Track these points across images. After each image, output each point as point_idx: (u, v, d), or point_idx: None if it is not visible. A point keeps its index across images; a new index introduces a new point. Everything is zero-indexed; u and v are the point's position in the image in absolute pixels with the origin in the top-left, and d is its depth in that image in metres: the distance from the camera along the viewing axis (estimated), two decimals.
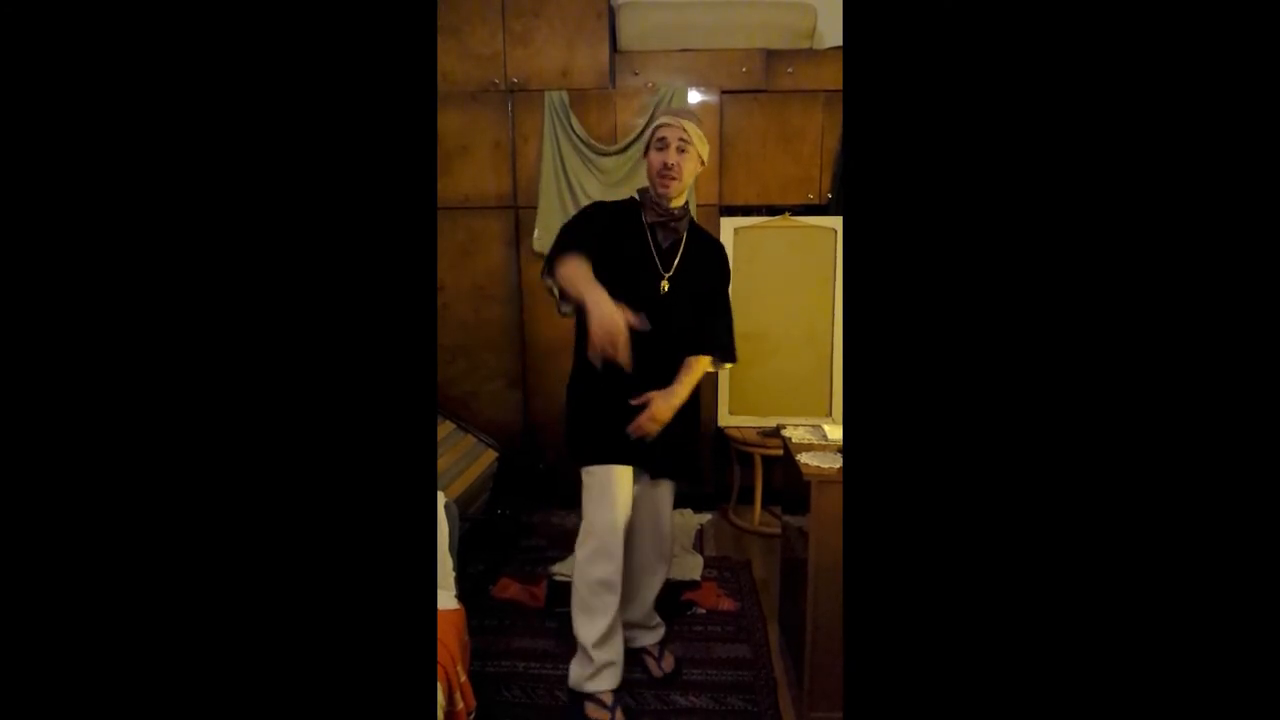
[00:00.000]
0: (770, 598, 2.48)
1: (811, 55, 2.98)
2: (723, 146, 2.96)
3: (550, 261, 1.76)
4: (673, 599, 2.40)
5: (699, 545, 2.89)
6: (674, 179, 1.74)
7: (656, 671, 2.05)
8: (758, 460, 2.99)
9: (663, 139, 1.74)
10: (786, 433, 2.09)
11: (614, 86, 2.98)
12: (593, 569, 1.82)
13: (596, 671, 1.86)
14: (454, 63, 2.95)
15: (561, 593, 2.42)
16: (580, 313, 1.73)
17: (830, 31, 3.12)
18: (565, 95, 2.92)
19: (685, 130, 1.72)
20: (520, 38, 2.93)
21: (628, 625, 2.01)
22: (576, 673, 1.89)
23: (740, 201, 3.04)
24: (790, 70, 2.95)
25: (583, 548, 1.85)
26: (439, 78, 2.93)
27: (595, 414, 1.84)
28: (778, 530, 2.76)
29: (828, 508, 1.75)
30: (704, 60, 2.97)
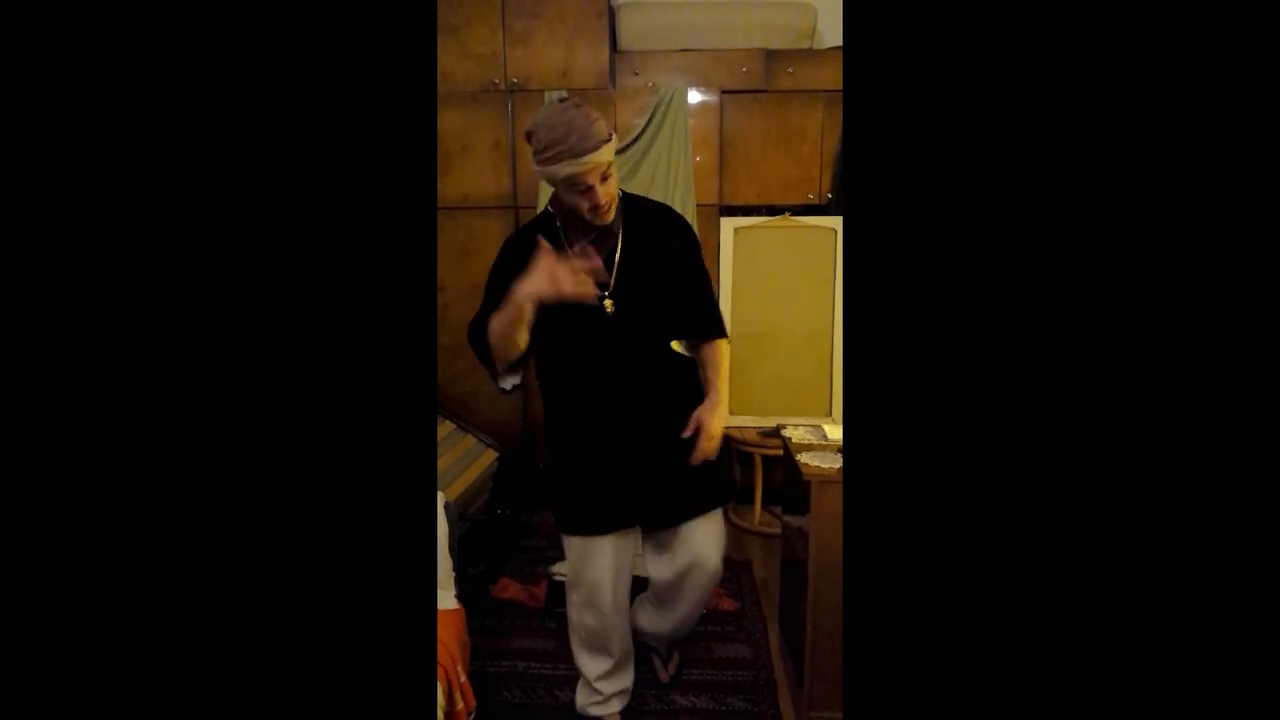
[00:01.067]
0: (770, 598, 2.48)
1: (811, 55, 2.98)
2: (723, 146, 2.97)
3: (473, 336, 1.56)
4: None
5: None
6: (609, 206, 1.49)
7: (663, 676, 2.02)
8: (758, 460, 2.99)
9: (580, 184, 1.43)
10: (786, 433, 2.09)
11: (614, 87, 2.98)
12: (584, 618, 1.73)
13: (604, 700, 1.82)
14: (454, 63, 2.95)
15: (561, 593, 2.42)
16: (544, 379, 1.60)
17: (830, 31, 3.12)
18: (565, 95, 2.92)
19: (603, 160, 1.42)
20: (520, 38, 2.93)
21: (657, 636, 1.94)
22: (582, 699, 1.85)
23: (740, 201, 3.04)
24: (790, 70, 2.96)
25: (574, 592, 1.74)
26: (439, 77, 2.93)
27: (576, 481, 1.65)
28: (778, 530, 2.77)
29: (828, 508, 1.75)
30: (704, 60, 2.97)
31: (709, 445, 1.57)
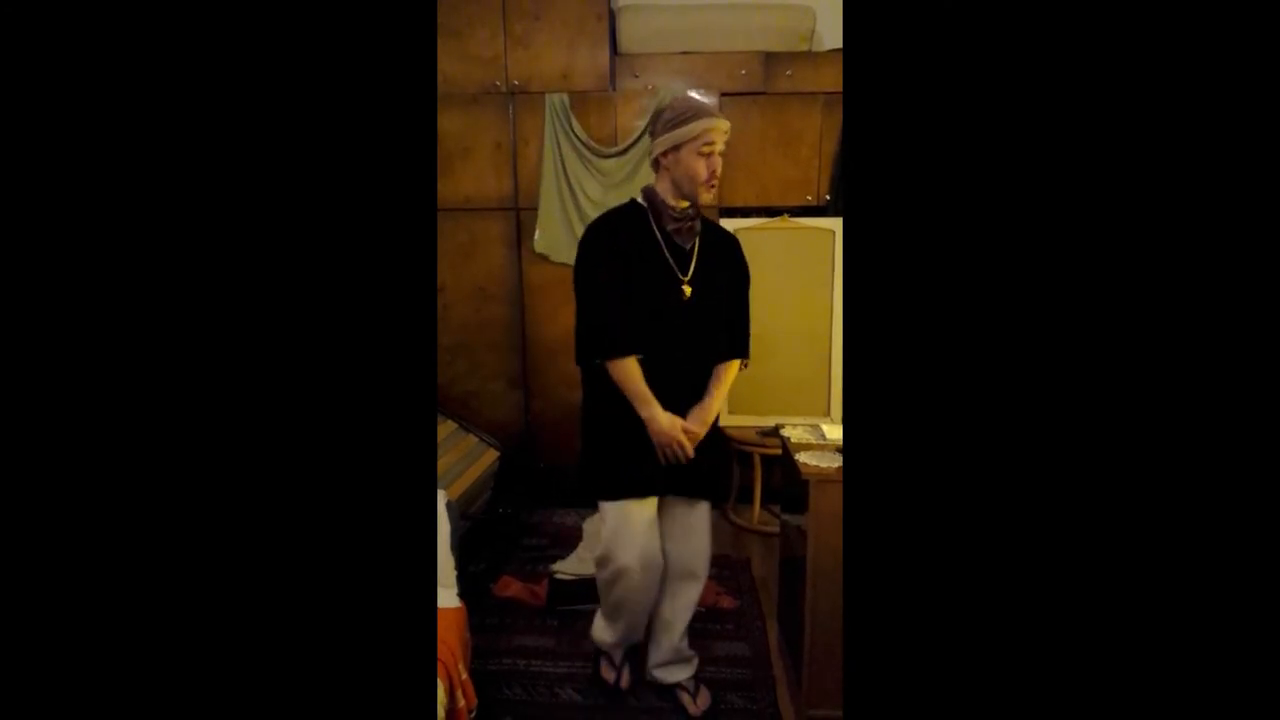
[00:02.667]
0: (769, 596, 2.49)
1: (810, 58, 2.99)
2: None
3: (589, 346, 1.68)
4: None
5: None
6: (716, 184, 1.65)
7: (693, 709, 1.90)
8: (757, 459, 3.00)
9: (711, 142, 1.59)
10: (785, 432, 2.10)
11: (614, 89, 2.99)
12: (613, 593, 1.84)
13: (615, 642, 1.95)
14: (455, 65, 2.96)
15: (563, 591, 2.43)
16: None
17: (829, 34, 3.13)
18: (566, 97, 2.93)
19: (725, 127, 1.61)
20: (521, 40, 2.94)
21: (660, 663, 1.94)
22: (598, 632, 1.98)
23: (739, 203, 3.05)
24: (789, 73, 2.96)
25: (602, 570, 1.82)
26: (440, 80, 2.94)
27: (613, 449, 1.76)
28: (776, 529, 2.77)
29: (826, 507, 1.76)
30: (703, 63, 2.98)
31: (687, 442, 1.71)
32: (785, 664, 2.13)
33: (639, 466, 1.73)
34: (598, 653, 2.05)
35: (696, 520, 1.85)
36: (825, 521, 1.77)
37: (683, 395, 1.73)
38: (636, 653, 2.10)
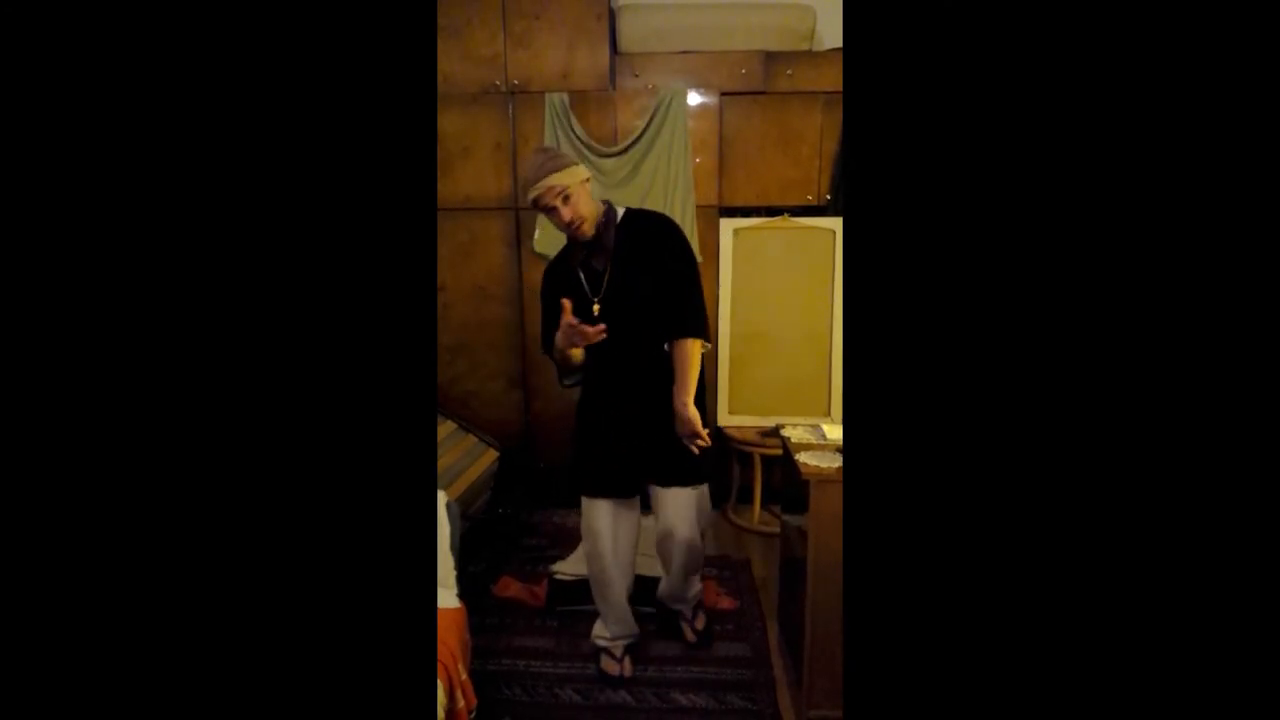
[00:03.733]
0: (769, 596, 2.49)
1: (810, 57, 2.99)
2: (722, 148, 2.97)
3: (545, 349, 1.97)
4: None
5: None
6: (581, 223, 1.81)
7: (689, 635, 2.22)
8: (757, 460, 2.99)
9: (547, 206, 1.79)
10: (785, 432, 2.10)
11: (614, 88, 2.99)
12: (590, 566, 2.09)
13: (612, 637, 2.10)
14: (455, 64, 2.96)
15: (562, 591, 2.43)
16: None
17: (829, 33, 3.13)
18: (566, 97, 2.93)
19: (554, 183, 1.76)
20: (521, 39, 2.94)
21: (664, 595, 2.24)
22: (597, 629, 2.14)
23: (740, 203, 3.05)
24: (789, 72, 2.96)
25: (584, 544, 2.10)
26: (440, 79, 2.94)
27: (580, 449, 2.04)
28: (777, 529, 2.77)
29: (826, 507, 1.76)
30: (703, 62, 2.98)
31: (684, 424, 1.85)
32: (786, 664, 2.13)
33: (598, 467, 1.99)
34: (598, 651, 2.13)
35: (671, 499, 2.02)
36: (825, 522, 1.77)
37: (624, 408, 1.93)
38: (638, 649, 2.14)
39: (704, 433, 1.85)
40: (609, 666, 2.09)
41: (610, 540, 2.02)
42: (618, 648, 2.11)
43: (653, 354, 1.90)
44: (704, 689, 2.02)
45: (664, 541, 2.07)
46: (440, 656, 1.55)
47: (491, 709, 1.91)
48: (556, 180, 1.76)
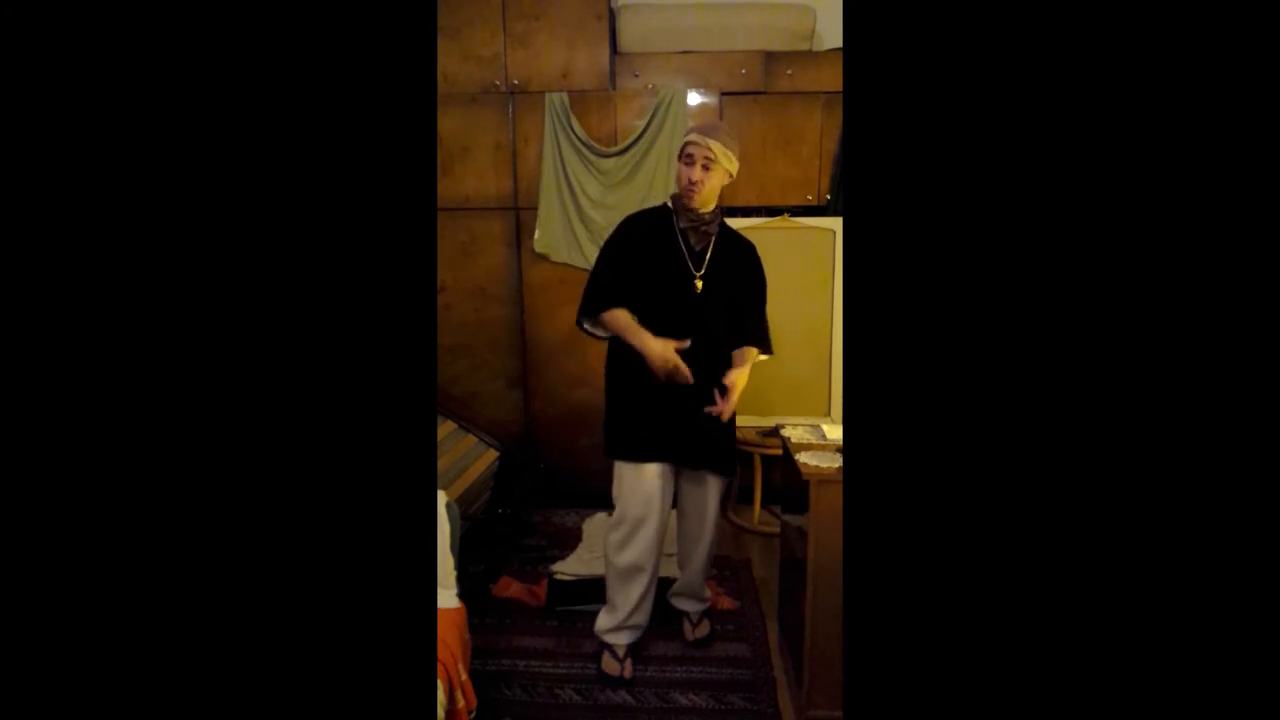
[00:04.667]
0: (769, 596, 2.49)
1: (810, 57, 2.99)
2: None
3: (586, 304, 1.96)
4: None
5: None
6: (696, 192, 1.90)
7: (689, 635, 2.25)
8: (757, 460, 3.00)
9: (689, 155, 1.89)
10: (786, 432, 2.10)
11: (614, 88, 2.99)
12: (623, 555, 2.02)
13: (618, 628, 2.08)
14: (455, 64, 2.96)
15: (562, 592, 2.43)
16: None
17: (829, 33, 3.13)
18: (565, 97, 2.93)
19: (710, 150, 1.86)
20: (521, 39, 2.94)
21: (677, 592, 2.27)
22: (602, 622, 2.12)
23: (740, 202, 3.05)
24: (789, 72, 2.96)
25: (614, 532, 2.03)
26: (440, 79, 2.94)
27: (630, 414, 1.99)
28: (777, 529, 2.77)
29: (826, 507, 1.76)
30: (704, 62, 2.98)
31: (729, 405, 1.90)
32: (786, 664, 2.13)
33: (647, 432, 1.97)
34: (601, 648, 2.11)
35: (706, 495, 2.09)
36: (826, 522, 1.77)
37: (695, 390, 1.90)
38: (639, 650, 2.14)
39: (727, 414, 1.91)
40: (610, 667, 2.06)
41: (660, 503, 1.98)
42: (622, 647, 2.08)
43: (717, 347, 1.97)
44: (704, 689, 2.02)
45: (692, 527, 2.12)
46: (440, 656, 1.55)
47: (491, 709, 1.91)
48: (715, 148, 1.86)
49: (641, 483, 1.97)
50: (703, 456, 2.01)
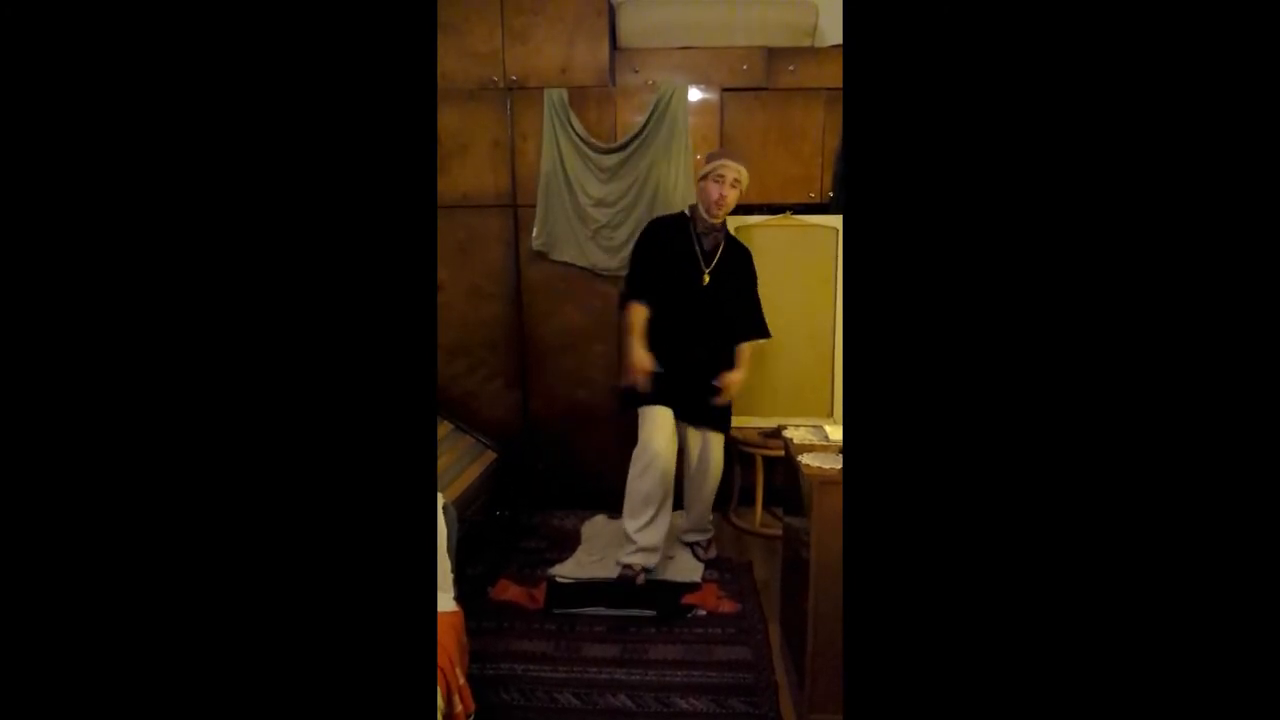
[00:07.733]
0: (771, 599, 2.47)
1: (813, 53, 2.97)
2: (723, 145, 2.95)
3: (628, 292, 2.55)
4: (673, 601, 2.39)
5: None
6: (724, 208, 2.43)
7: (701, 556, 2.73)
8: (759, 461, 2.98)
9: (721, 176, 2.39)
10: (787, 433, 2.08)
11: (614, 84, 2.97)
12: (642, 483, 2.46)
13: (634, 551, 2.47)
14: (453, 61, 2.93)
15: (561, 595, 2.41)
16: (654, 313, 2.52)
17: (831, 30, 3.11)
18: (565, 93, 2.90)
19: (740, 173, 2.40)
20: (519, 35, 2.91)
21: (686, 530, 2.77)
22: (627, 522, 2.52)
23: (741, 200, 3.02)
24: (791, 68, 2.94)
25: (635, 464, 2.49)
26: (438, 76, 2.91)
27: (655, 377, 2.50)
28: (779, 531, 2.75)
29: (829, 508, 1.74)
30: (704, 58, 2.96)
31: (728, 393, 2.55)
32: (787, 667, 2.11)
33: (664, 388, 2.50)
34: (621, 573, 2.47)
35: (708, 443, 2.64)
36: (828, 523, 1.75)
37: (701, 362, 2.52)
38: (639, 652, 2.13)
39: (729, 393, 2.53)
40: (626, 574, 2.43)
41: (670, 442, 2.48)
42: (637, 566, 2.44)
43: (723, 329, 2.54)
44: (705, 693, 2.00)
45: (700, 468, 2.63)
46: (438, 660, 1.53)
47: (490, 713, 1.89)
48: (743, 172, 2.41)
49: (661, 421, 2.48)
50: (704, 417, 2.58)
